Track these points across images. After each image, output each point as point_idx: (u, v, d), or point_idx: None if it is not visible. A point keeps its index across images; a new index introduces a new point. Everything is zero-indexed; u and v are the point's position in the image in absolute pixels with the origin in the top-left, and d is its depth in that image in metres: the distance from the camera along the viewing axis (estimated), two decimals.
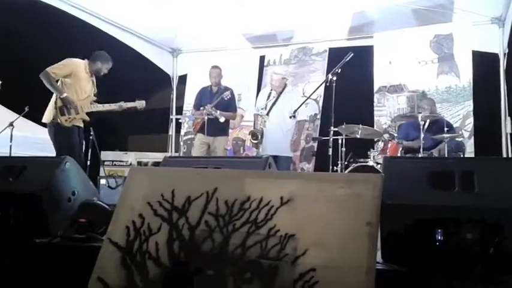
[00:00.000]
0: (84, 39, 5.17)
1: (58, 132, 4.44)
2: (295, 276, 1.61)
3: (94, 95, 4.74)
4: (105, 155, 6.42)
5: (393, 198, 1.73)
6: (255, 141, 5.34)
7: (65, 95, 4.44)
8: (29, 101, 5.33)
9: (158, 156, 6.65)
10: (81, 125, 4.66)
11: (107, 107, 4.75)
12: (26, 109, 5.35)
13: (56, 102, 4.43)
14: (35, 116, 5.36)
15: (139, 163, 6.59)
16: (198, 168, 2.22)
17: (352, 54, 4.18)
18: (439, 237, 1.71)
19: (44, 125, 4.66)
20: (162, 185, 1.99)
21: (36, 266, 2.14)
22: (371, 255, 1.59)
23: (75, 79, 4.55)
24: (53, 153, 4.54)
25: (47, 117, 4.55)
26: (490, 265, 1.63)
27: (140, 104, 4.83)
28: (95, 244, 2.11)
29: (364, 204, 1.68)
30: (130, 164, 6.51)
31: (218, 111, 5.28)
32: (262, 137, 5.36)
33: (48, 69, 4.44)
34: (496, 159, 2.41)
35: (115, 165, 6.56)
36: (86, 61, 4.72)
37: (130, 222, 1.92)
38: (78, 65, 4.64)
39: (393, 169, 1.87)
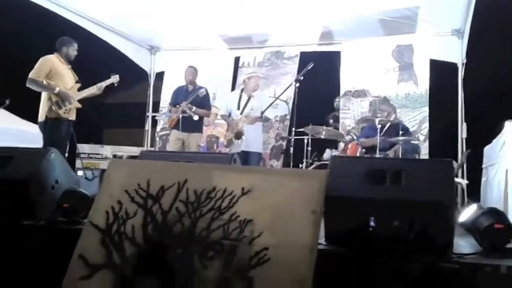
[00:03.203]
0: (63, 34, 5.28)
1: (51, 127, 4.60)
2: (251, 254, 1.90)
3: (77, 82, 4.90)
4: (81, 148, 6.31)
5: (335, 191, 2.04)
6: (238, 140, 5.45)
7: (58, 89, 4.61)
8: (10, 93, 5.41)
9: (134, 151, 6.70)
10: (74, 117, 4.82)
11: (91, 90, 4.96)
12: (7, 102, 5.44)
13: (50, 99, 4.58)
14: (14, 108, 5.48)
15: (114, 156, 6.65)
16: (171, 162, 2.48)
17: (312, 64, 4.48)
18: (372, 224, 2.05)
19: (25, 116, 4.78)
20: (139, 176, 2.24)
21: (24, 246, 2.37)
22: (314, 237, 1.90)
23: (57, 74, 4.70)
24: (30, 144, 4.68)
25: (42, 114, 4.67)
26: (410, 247, 1.97)
27: (115, 78, 5.13)
28: (77, 227, 2.35)
29: (310, 195, 1.99)
30: (106, 158, 6.59)
31: (194, 108, 5.50)
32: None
33: (30, 75, 4.59)
34: (421, 160, 2.75)
35: (91, 157, 6.53)
36: (56, 54, 4.84)
37: (110, 207, 2.17)
38: (53, 60, 4.77)
39: (338, 167, 2.19)
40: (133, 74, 7.51)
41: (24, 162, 2.62)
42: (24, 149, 2.91)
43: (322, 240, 2.12)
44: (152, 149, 7.28)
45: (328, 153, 5.08)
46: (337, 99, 6.55)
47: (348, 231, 2.07)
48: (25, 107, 5.25)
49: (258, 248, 1.91)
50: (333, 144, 5.52)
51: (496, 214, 2.19)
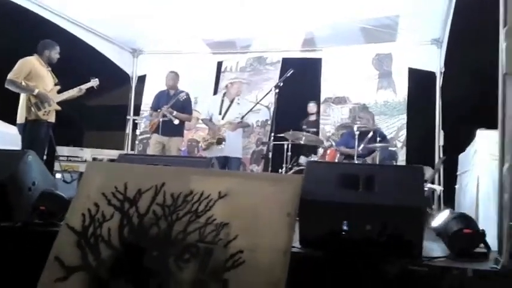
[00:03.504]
0: (45, 36, 5.23)
1: (30, 129, 4.57)
2: (227, 256, 1.93)
3: (56, 84, 4.88)
4: (61, 150, 6.29)
5: (310, 195, 2.09)
6: (219, 147, 5.43)
7: (37, 91, 4.59)
8: None
9: (114, 154, 6.67)
10: (53, 120, 4.79)
11: (71, 92, 4.95)
12: None
13: (29, 100, 4.55)
14: None
15: (94, 159, 6.61)
16: (149, 165, 2.49)
17: (292, 71, 4.54)
18: (345, 228, 2.10)
19: (3, 118, 4.74)
20: (116, 179, 2.25)
21: None
22: (289, 240, 1.94)
23: (36, 76, 4.67)
24: (9, 146, 4.63)
25: (21, 116, 4.63)
26: (382, 250, 2.03)
27: (95, 81, 5.15)
28: (53, 229, 2.35)
29: (286, 199, 2.03)
30: (86, 161, 6.53)
31: (175, 112, 5.50)
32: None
33: (9, 76, 4.56)
34: (393, 166, 2.82)
35: (70, 160, 6.52)
36: (36, 56, 4.81)
37: (86, 210, 2.18)
38: (33, 62, 4.74)
39: (313, 172, 2.24)
40: (115, 77, 7.48)
41: (2, 164, 2.61)
42: (2, 150, 2.89)
43: (296, 243, 2.16)
44: (132, 152, 7.25)
45: (303, 159, 5.13)
46: (310, 104, 6.58)
47: (322, 235, 2.11)
48: (4, 109, 5.19)
49: (233, 250, 1.94)
50: (312, 149, 5.58)
51: (465, 220, 2.26)
